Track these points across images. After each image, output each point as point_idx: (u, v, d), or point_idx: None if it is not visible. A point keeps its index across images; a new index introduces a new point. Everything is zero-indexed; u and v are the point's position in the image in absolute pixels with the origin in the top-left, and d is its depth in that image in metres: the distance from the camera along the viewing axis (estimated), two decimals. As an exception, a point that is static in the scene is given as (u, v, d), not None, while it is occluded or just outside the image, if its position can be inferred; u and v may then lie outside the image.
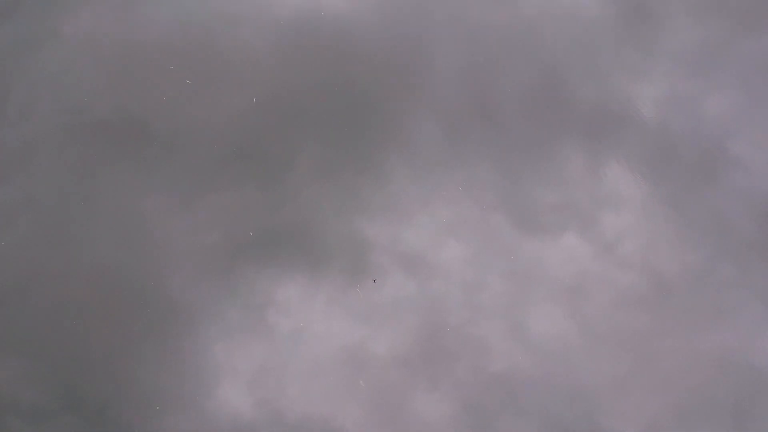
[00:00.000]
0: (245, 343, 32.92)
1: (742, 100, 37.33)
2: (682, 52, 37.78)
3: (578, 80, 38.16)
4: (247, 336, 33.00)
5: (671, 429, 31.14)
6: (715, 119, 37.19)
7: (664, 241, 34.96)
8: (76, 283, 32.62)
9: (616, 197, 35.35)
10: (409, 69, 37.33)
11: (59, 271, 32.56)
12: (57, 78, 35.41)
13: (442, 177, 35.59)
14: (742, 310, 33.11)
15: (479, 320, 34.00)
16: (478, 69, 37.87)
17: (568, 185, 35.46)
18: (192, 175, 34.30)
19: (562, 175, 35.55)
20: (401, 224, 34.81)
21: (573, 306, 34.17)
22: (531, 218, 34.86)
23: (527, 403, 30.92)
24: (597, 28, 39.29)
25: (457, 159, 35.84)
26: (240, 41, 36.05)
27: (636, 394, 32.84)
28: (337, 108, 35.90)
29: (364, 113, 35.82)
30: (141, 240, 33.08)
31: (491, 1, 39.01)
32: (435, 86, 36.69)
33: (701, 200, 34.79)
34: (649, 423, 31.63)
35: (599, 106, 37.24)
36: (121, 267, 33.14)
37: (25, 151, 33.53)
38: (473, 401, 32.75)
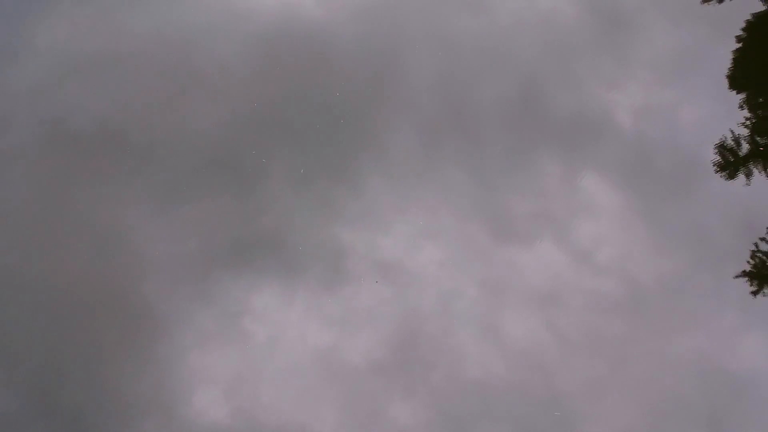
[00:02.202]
0: (221, 351, 32.79)
1: (718, 109, 37.41)
2: (658, 62, 37.83)
3: (554, 90, 37.53)
4: (224, 343, 32.91)
5: (646, 434, 29.08)
6: (691, 128, 36.39)
7: (640, 249, 34.40)
8: (52, 290, 32.20)
9: (591, 206, 34.99)
10: (385, 79, 36.97)
11: (36, 279, 32.07)
12: (34, 89, 35.40)
13: (418, 186, 35.30)
14: (716, 317, 33.10)
15: (455, 327, 33.78)
16: (454, 79, 37.43)
17: (543, 194, 35.04)
18: (168, 184, 33.82)
19: (537, 184, 35.23)
20: (377, 232, 34.56)
21: (548, 313, 33.79)
22: (507, 227, 34.67)
23: (502, 410, 31.47)
24: (573, 39, 38.80)
25: (432, 168, 35.55)
26: (216, 53, 36.27)
27: (611, 400, 32.78)
28: (312, 118, 35.63)
29: (339, 123, 35.46)
30: (117, 248, 32.81)
31: (467, 12, 38.67)
32: (411, 96, 36.45)
33: (677, 209, 34.34)
34: (624, 428, 31.33)
35: (575, 116, 36.67)
36: (98, 274, 32.69)
37: (2, 160, 33.61)
38: (449, 408, 32.56)
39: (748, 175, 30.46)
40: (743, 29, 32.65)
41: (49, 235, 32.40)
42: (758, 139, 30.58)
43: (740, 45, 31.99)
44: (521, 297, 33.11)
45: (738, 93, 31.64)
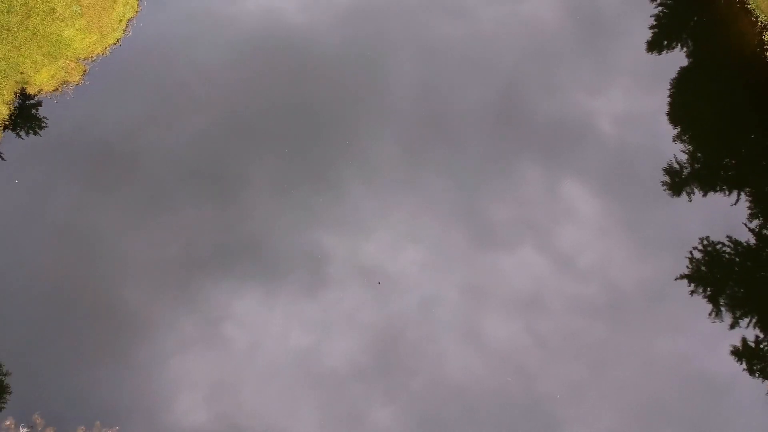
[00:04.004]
0: (203, 356, 32.75)
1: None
2: (639, 69, 38.10)
3: (536, 97, 37.63)
4: (205, 349, 32.82)
5: (628, 437, 28.69)
6: (672, 135, 37.24)
7: (621, 254, 34.71)
8: (33, 295, 32.32)
9: (572, 212, 35.16)
10: (366, 86, 37.20)
11: (16, 285, 32.18)
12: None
13: (399, 192, 35.43)
14: (697, 321, 34.03)
15: (436, 332, 33.71)
16: (435, 86, 37.56)
17: (524, 200, 35.26)
18: (150, 192, 34.12)
19: (519, 190, 35.45)
20: (358, 238, 34.67)
21: (529, 318, 33.98)
22: (488, 232, 34.73)
23: (484, 414, 31.89)
24: (554, 46, 39.21)
25: (414, 174, 35.70)
26: (198, 62, 36.31)
27: (592, 404, 33.15)
28: (294, 126, 36.00)
29: (320, 131, 35.76)
30: (99, 254, 33.03)
31: (449, 20, 38.82)
32: (392, 103, 36.51)
33: (657, 215, 35.34)
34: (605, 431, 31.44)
35: (556, 123, 36.85)
36: (79, 281, 33.01)
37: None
38: (430, 412, 32.85)
39: (690, 193, 34.31)
40: (672, 80, 36.14)
41: (31, 240, 32.81)
42: (695, 165, 34.81)
43: (671, 89, 35.89)
44: (502, 302, 33.32)
45: (675, 127, 35.14)
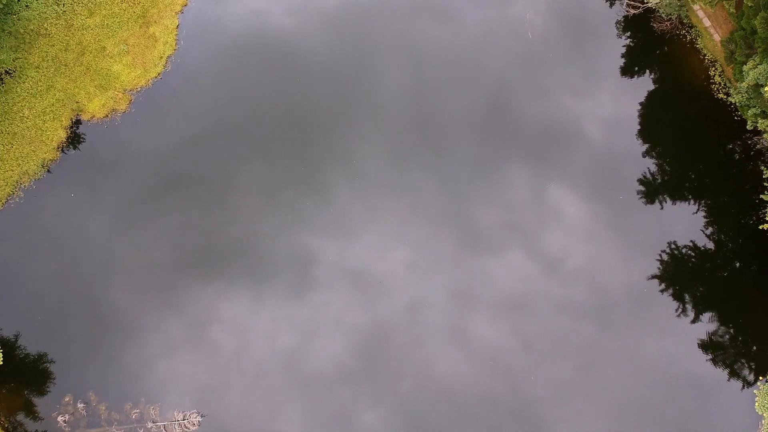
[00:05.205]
0: (190, 359, 34.33)
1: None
2: (627, 73, 39.79)
3: (523, 101, 38.93)
4: (192, 352, 34.54)
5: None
6: (641, 152, 38.55)
7: (608, 257, 36.22)
8: (19, 297, 35.64)
9: (560, 215, 36.63)
10: (354, 90, 39.02)
11: (3, 286, 35.70)
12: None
13: (387, 196, 36.95)
14: (684, 323, 35.73)
15: (424, 335, 34.87)
16: (423, 90, 39.23)
17: (512, 204, 36.75)
18: (137, 195, 36.88)
19: (506, 194, 36.90)
20: (346, 241, 36.05)
21: (517, 321, 35.14)
22: (475, 236, 36.17)
23: (471, 416, 34.06)
24: (542, 50, 40.55)
25: (401, 178, 37.25)
26: (183, 65, 39.44)
27: (579, 406, 34.36)
28: (281, 129, 38.16)
29: (309, 135, 38.00)
30: (86, 257, 35.96)
31: (436, 24, 40.68)
32: (380, 107, 38.43)
33: (645, 218, 36.80)
34: (592, 434, 32.40)
35: (544, 127, 38.23)
36: (66, 283, 35.75)
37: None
38: (417, 414, 34.23)
39: (662, 201, 37.31)
40: (641, 102, 39.03)
41: (17, 242, 35.84)
42: (665, 177, 37.55)
43: (640, 110, 38.84)
44: (490, 305, 35.12)
45: (644, 143, 38.24)
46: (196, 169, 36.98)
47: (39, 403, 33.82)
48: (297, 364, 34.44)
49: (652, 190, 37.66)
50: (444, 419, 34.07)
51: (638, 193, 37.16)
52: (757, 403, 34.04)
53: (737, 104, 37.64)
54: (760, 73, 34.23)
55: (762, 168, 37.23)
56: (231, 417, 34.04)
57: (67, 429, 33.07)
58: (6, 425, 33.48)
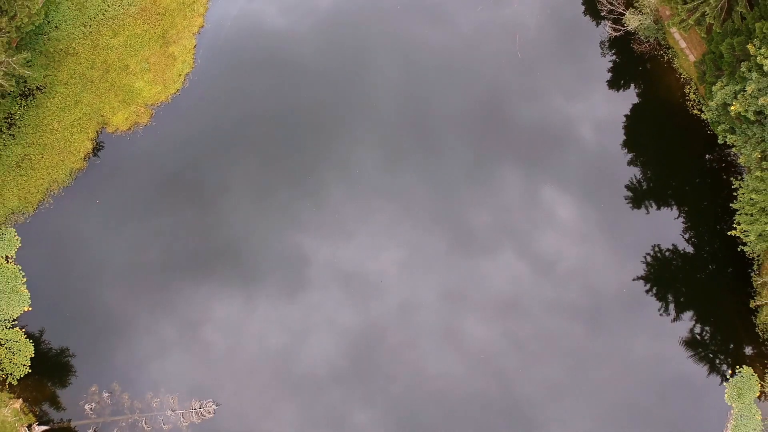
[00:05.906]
0: (182, 360, 35.33)
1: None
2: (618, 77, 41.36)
3: (516, 103, 40.02)
4: (184, 352, 35.45)
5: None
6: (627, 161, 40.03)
7: (600, 259, 37.22)
8: (48, 296, 37.46)
9: (553, 217, 37.81)
10: (347, 91, 40.04)
11: (32, 287, 37.41)
12: None
13: (380, 197, 37.92)
14: (675, 325, 36.73)
15: (416, 335, 35.81)
16: (416, 91, 40.10)
17: (505, 205, 37.86)
18: (130, 197, 38.03)
19: (499, 196, 38.06)
20: (339, 243, 37.05)
21: (509, 322, 36.13)
22: (468, 237, 37.32)
23: (463, 417, 35.09)
24: (535, 52, 41.31)
25: (394, 179, 38.19)
26: (201, 83, 41.09)
27: (571, 407, 35.30)
28: (274, 131, 39.16)
29: (302, 137, 38.82)
30: (79, 257, 37.27)
31: (429, 26, 41.60)
32: (373, 108, 39.57)
33: (637, 220, 38.04)
34: (583, 434, 33.91)
35: (537, 129, 39.30)
36: (59, 283, 37.07)
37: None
38: (409, 415, 35.02)
39: (648, 207, 39.02)
40: (625, 115, 40.86)
41: (47, 245, 37.37)
42: (650, 184, 39.39)
43: (625, 122, 40.63)
44: (482, 306, 36.21)
45: (628, 153, 40.11)
46: (212, 176, 38.41)
47: (67, 392, 35.57)
48: (289, 364, 35.23)
49: (638, 196, 39.31)
50: (436, 419, 34.98)
51: (626, 199, 38.58)
52: (726, 395, 36.13)
53: (708, 120, 39.71)
54: (726, 94, 36.34)
55: (731, 179, 38.78)
56: (223, 417, 34.69)
57: (93, 416, 34.83)
58: (37, 412, 35.41)
